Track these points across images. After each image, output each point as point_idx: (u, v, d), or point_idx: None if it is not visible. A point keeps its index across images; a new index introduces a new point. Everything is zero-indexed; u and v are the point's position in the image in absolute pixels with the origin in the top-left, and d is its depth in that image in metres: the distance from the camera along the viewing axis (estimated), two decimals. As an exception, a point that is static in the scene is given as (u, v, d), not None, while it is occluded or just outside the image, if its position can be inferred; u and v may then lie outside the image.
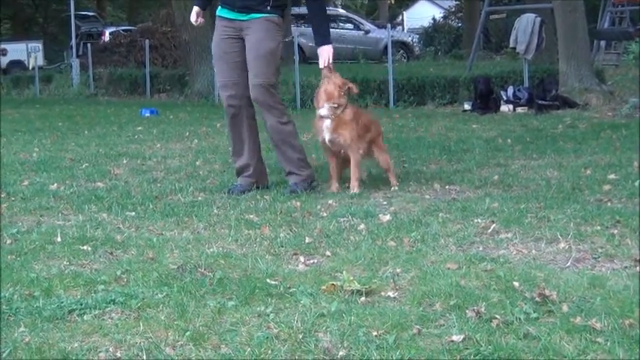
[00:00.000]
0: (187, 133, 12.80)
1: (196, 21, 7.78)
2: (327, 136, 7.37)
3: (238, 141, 7.61)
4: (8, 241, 5.67)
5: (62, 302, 4.25)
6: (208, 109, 17.36)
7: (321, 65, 7.41)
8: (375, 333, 3.73)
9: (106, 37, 34.84)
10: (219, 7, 7.50)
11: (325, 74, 7.43)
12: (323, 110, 7.35)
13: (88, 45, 24.84)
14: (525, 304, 4.03)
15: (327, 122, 7.35)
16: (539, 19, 16.48)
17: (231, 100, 7.48)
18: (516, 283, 4.34)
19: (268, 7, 7.31)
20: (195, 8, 7.76)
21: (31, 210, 6.82)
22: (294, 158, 7.48)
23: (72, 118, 16.27)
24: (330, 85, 7.34)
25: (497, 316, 3.87)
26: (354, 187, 7.34)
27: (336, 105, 7.30)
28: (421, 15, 47.03)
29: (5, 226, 6.17)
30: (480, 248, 5.24)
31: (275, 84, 7.44)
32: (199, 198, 7.19)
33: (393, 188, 7.44)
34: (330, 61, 7.38)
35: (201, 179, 8.17)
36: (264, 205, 6.79)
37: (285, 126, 7.46)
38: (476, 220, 5.95)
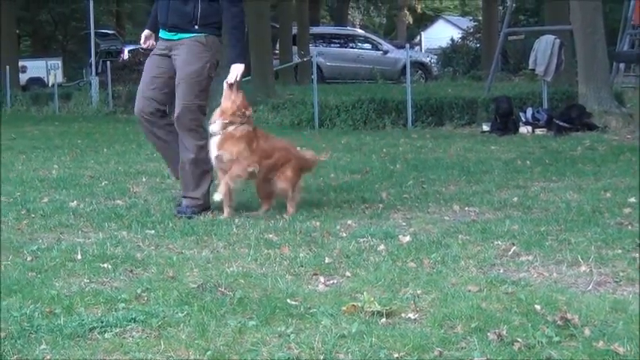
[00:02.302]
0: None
1: (145, 43, 7.83)
2: (213, 153, 7.24)
3: (161, 152, 7.76)
4: (29, 258, 5.69)
5: (83, 320, 4.25)
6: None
7: (227, 80, 7.31)
8: (396, 355, 3.72)
9: (125, 55, 35.00)
10: (160, 28, 7.60)
11: (225, 90, 7.31)
12: (214, 126, 7.25)
13: (108, 63, 24.99)
14: (547, 327, 4.02)
15: (216, 139, 7.25)
16: (558, 40, 16.46)
17: (139, 113, 7.56)
18: (538, 307, 4.33)
19: (196, 27, 7.34)
20: (145, 32, 7.84)
21: (51, 227, 6.83)
22: (198, 183, 7.42)
23: (91, 135, 16.33)
24: (227, 102, 7.26)
25: (519, 340, 3.86)
26: (220, 190, 7.17)
27: (227, 122, 7.21)
28: (439, 35, 47.09)
29: (25, 243, 6.19)
30: (501, 270, 5.23)
31: (199, 106, 7.41)
32: (218, 217, 7.18)
33: (285, 215, 7.21)
34: (238, 79, 7.31)
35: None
36: (284, 224, 6.79)
37: (200, 150, 7.39)
38: (496, 242, 5.94)
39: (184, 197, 7.46)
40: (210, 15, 7.35)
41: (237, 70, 7.28)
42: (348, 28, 42.45)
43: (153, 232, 6.57)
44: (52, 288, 4.89)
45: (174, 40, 7.41)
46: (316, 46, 31.49)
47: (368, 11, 64.53)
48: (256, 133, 7.36)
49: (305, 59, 28.53)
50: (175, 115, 7.38)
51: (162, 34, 7.54)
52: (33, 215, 7.33)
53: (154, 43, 7.76)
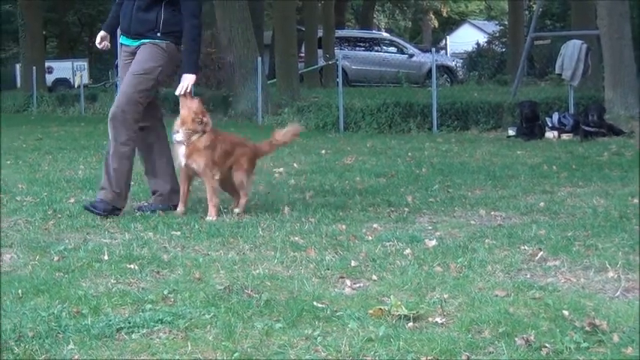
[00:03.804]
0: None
1: (100, 44, 7.86)
2: (182, 162, 7.37)
3: (151, 163, 7.76)
4: (56, 258, 5.71)
5: (110, 320, 4.26)
6: (252, 130, 17.34)
7: (177, 92, 7.39)
8: (423, 359, 3.71)
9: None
10: (121, 35, 7.66)
11: (181, 100, 7.38)
12: (178, 136, 7.33)
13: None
14: (575, 333, 3.99)
15: (182, 149, 7.33)
16: (585, 45, 16.42)
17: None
18: (566, 312, 4.30)
19: (158, 34, 7.42)
20: (101, 33, 7.87)
21: (77, 227, 6.86)
22: (115, 178, 7.38)
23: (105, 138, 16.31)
24: (185, 110, 7.32)
25: (547, 345, 3.84)
26: (211, 213, 7.28)
27: (189, 131, 7.28)
28: (465, 39, 47.02)
29: (52, 243, 6.21)
30: (528, 275, 5.20)
31: (136, 102, 7.39)
32: (244, 219, 7.19)
33: (235, 210, 7.44)
34: (189, 89, 7.38)
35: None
36: (309, 227, 6.78)
37: (123, 146, 7.39)
38: (523, 247, 5.92)
39: (101, 190, 7.42)
40: (172, 24, 7.43)
41: (187, 80, 7.38)
42: (374, 31, 42.48)
43: (179, 233, 6.58)
44: (79, 288, 4.91)
45: (134, 45, 7.52)
46: (341, 49, 31.48)
47: (393, 15, 64.45)
48: (217, 137, 7.45)
49: (330, 62, 28.53)
50: (113, 105, 7.46)
51: (124, 40, 7.63)
52: (59, 215, 7.36)
53: (109, 44, 7.84)
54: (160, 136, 7.72)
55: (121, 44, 7.68)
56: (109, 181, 7.36)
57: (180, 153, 7.35)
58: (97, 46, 7.90)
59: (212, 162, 7.32)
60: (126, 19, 7.51)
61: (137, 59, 7.45)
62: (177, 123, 7.34)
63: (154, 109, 7.66)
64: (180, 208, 7.46)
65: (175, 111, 7.59)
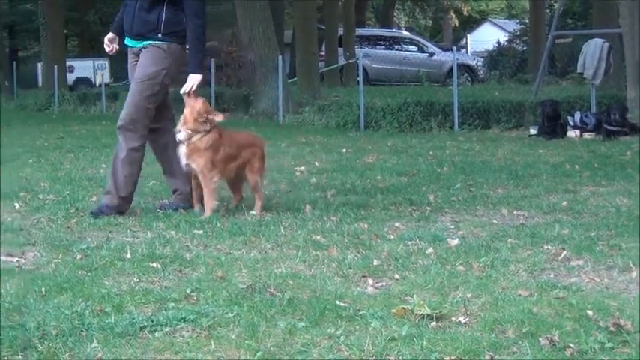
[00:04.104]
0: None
1: (109, 47, 7.86)
2: (183, 162, 7.38)
3: (168, 163, 7.77)
4: (78, 256, 5.72)
5: (133, 318, 4.27)
6: (273, 129, 17.39)
7: (182, 90, 7.38)
8: (447, 358, 3.70)
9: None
10: (125, 36, 7.64)
11: (185, 99, 7.39)
12: (180, 135, 7.33)
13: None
14: (599, 333, 3.97)
15: (183, 148, 7.34)
16: (607, 44, 16.35)
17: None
18: (590, 312, 4.28)
19: (159, 35, 7.40)
20: (109, 35, 7.87)
21: (100, 226, 6.87)
22: (124, 183, 7.40)
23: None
24: (187, 110, 7.33)
25: (571, 345, 3.82)
26: (206, 213, 7.26)
27: (190, 131, 7.27)
28: (485, 38, 46.90)
29: (75, 242, 6.23)
30: (551, 275, 5.18)
31: (145, 109, 7.41)
32: (266, 218, 7.19)
33: (252, 212, 7.40)
34: (194, 89, 7.36)
35: (267, 199, 8.16)
36: (331, 226, 6.78)
37: (135, 152, 7.43)
38: (546, 247, 5.89)
39: (107, 194, 7.44)
40: (174, 24, 7.42)
41: (193, 80, 7.37)
42: (394, 30, 42.42)
43: (201, 232, 6.58)
44: (102, 286, 4.92)
45: (138, 47, 7.51)
46: (362, 48, 31.44)
47: (414, 13, 64.37)
48: (222, 139, 7.41)
49: (351, 61, 28.54)
50: (122, 112, 7.47)
51: (128, 41, 7.62)
52: (82, 214, 7.38)
53: (117, 47, 7.83)
54: (174, 135, 7.71)
55: (126, 45, 7.68)
56: (116, 186, 7.37)
57: (182, 153, 7.36)
58: (106, 49, 7.89)
59: (211, 164, 7.28)
60: (129, 19, 7.50)
61: (140, 64, 7.45)
62: (180, 122, 7.36)
63: (166, 110, 7.65)
64: (195, 208, 7.45)
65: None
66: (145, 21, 7.39)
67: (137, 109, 7.37)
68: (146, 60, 7.42)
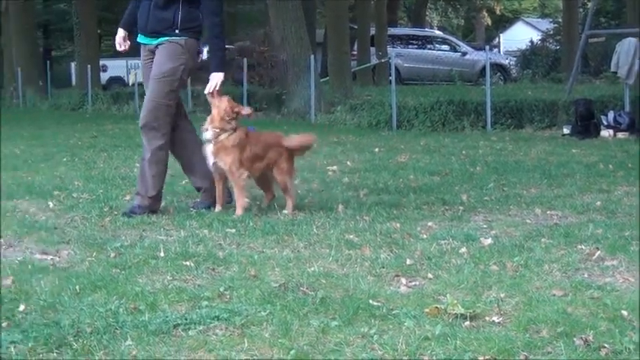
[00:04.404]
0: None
1: (121, 45, 7.81)
2: (210, 160, 7.39)
3: (187, 160, 7.75)
4: (112, 255, 5.75)
5: (167, 317, 4.28)
6: (305, 128, 17.37)
7: (205, 90, 7.41)
8: (481, 358, 3.68)
9: (204, 55, 35.25)
10: (138, 33, 7.62)
11: (210, 99, 7.42)
12: (207, 134, 7.36)
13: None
14: (634, 333, 3.95)
15: (210, 147, 7.36)
16: (641, 43, 16.22)
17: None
18: (624, 312, 4.26)
19: (176, 31, 7.39)
20: (121, 33, 7.81)
21: (133, 224, 6.90)
22: (152, 183, 7.42)
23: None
24: (214, 110, 7.36)
25: (605, 345, 3.80)
26: (238, 213, 7.27)
27: (217, 130, 7.30)
28: (518, 37, 46.62)
29: (109, 240, 6.26)
30: (586, 275, 5.15)
31: (167, 106, 7.43)
32: (298, 217, 7.19)
33: (284, 211, 7.41)
34: (217, 88, 7.36)
35: (300, 198, 8.17)
36: (364, 225, 6.77)
37: (160, 151, 7.45)
38: (580, 247, 5.86)
39: (137, 195, 7.47)
40: (190, 20, 7.42)
41: (216, 79, 7.38)
42: (426, 29, 42.31)
43: (234, 230, 6.60)
44: (136, 284, 4.94)
45: (153, 44, 7.49)
46: (394, 47, 31.36)
47: (446, 12, 64.21)
48: (248, 138, 7.44)
49: (383, 60, 28.52)
50: (142, 112, 7.46)
51: (142, 39, 7.59)
52: (115, 212, 7.41)
53: (129, 43, 7.80)
54: (190, 131, 7.72)
55: (140, 43, 7.65)
56: (145, 186, 7.41)
57: (209, 151, 7.39)
58: (117, 48, 7.86)
59: (239, 161, 7.32)
60: (143, 17, 7.49)
61: (157, 61, 7.44)
62: (207, 121, 7.39)
63: (178, 106, 7.63)
64: (217, 207, 7.48)
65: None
66: (160, 18, 7.39)
67: (158, 107, 7.39)
68: (163, 57, 7.41)
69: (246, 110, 7.49)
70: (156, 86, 7.38)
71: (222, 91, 7.46)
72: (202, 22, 7.48)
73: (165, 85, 7.38)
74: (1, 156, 11.85)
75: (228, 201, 7.64)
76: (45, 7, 47.88)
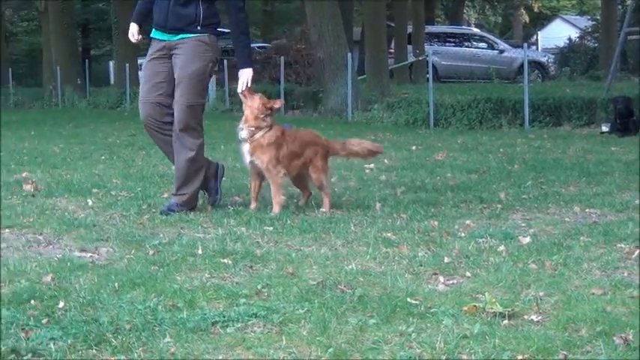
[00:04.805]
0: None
1: (135, 39, 7.80)
2: (246, 159, 7.41)
3: (171, 156, 7.70)
4: (151, 252, 5.77)
5: (205, 314, 4.30)
6: (342, 127, 17.41)
7: (238, 89, 7.42)
8: (520, 357, 3.67)
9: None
10: (153, 29, 7.58)
11: (243, 99, 7.43)
12: (242, 134, 7.37)
13: (224, 61, 25.19)
14: (675, 332, 3.92)
15: (247, 145, 7.36)
16: (681, 40, 16.09)
17: (147, 120, 7.56)
18: (665, 311, 4.23)
19: (198, 27, 7.37)
20: (134, 26, 7.78)
21: (171, 222, 6.93)
22: (192, 181, 7.44)
23: (208, 132, 16.34)
24: (247, 110, 7.36)
25: (646, 345, 3.77)
26: (275, 210, 7.29)
27: (252, 128, 7.30)
28: (556, 35, 46.38)
29: (147, 237, 6.29)
30: (625, 274, 5.11)
31: (201, 104, 7.46)
32: (336, 215, 7.20)
33: (322, 209, 7.42)
34: (248, 84, 7.37)
35: (337, 196, 8.18)
36: (401, 223, 6.76)
37: (199, 149, 7.46)
38: (619, 245, 5.82)
39: (175, 195, 7.48)
40: (210, 17, 7.42)
41: (246, 76, 7.39)
42: (464, 27, 42.16)
43: (271, 228, 6.60)
44: (174, 282, 4.96)
45: (173, 40, 7.44)
46: (431, 45, 31.30)
47: (483, 10, 63.97)
48: (284, 136, 7.45)
49: (420, 58, 28.43)
50: (177, 115, 7.39)
51: (158, 35, 7.54)
52: (154, 210, 7.44)
53: (141, 37, 7.80)
54: (168, 132, 7.68)
55: (154, 38, 7.60)
56: (184, 184, 7.45)
57: (245, 150, 7.41)
58: (131, 39, 7.85)
59: (276, 159, 7.33)
60: (162, 13, 7.44)
61: (183, 61, 7.38)
62: (242, 120, 7.41)
63: (161, 107, 7.51)
64: (252, 205, 7.49)
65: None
66: (181, 15, 7.36)
67: (194, 107, 7.39)
68: (188, 56, 7.37)
69: (278, 103, 7.51)
70: (189, 88, 7.35)
71: (253, 88, 7.48)
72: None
73: (196, 85, 7.38)
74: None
75: (215, 201, 7.72)
76: (84, 6, 48.15)
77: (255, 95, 7.41)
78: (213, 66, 7.51)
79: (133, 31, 7.77)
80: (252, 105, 7.33)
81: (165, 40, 7.48)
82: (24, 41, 57.52)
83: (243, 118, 7.40)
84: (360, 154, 7.88)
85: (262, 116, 7.31)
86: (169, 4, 7.39)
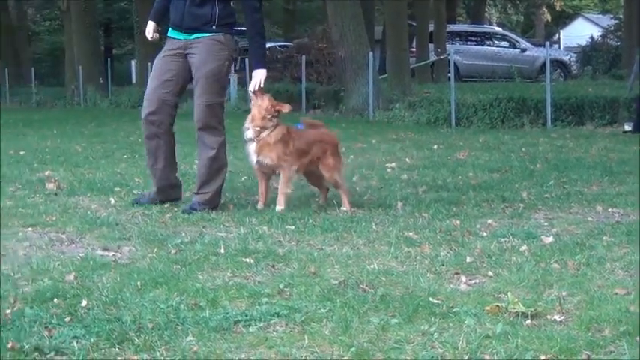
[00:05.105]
0: (343, 149, 12.74)
1: (152, 36, 7.81)
2: (253, 159, 7.42)
3: (152, 155, 7.70)
4: (173, 251, 5.79)
5: (228, 313, 4.30)
6: (363, 126, 17.41)
7: (250, 88, 7.46)
8: (543, 357, 3.65)
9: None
10: (169, 28, 7.60)
11: (252, 98, 7.46)
12: (248, 133, 7.40)
13: (246, 60, 25.20)
14: (699, 333, 3.89)
15: (253, 145, 7.38)
16: None
17: (149, 117, 7.56)
18: (689, 311, 4.20)
19: (214, 27, 7.39)
20: (151, 24, 7.81)
21: (193, 221, 6.94)
22: (214, 179, 7.47)
23: (230, 132, 16.36)
24: (255, 109, 7.39)
25: (670, 345, 3.75)
26: (280, 202, 7.34)
27: (258, 128, 7.32)
28: (578, 33, 46.19)
29: (169, 236, 6.30)
30: (648, 274, 5.09)
31: (218, 103, 7.48)
32: (357, 214, 7.20)
33: (342, 208, 7.44)
34: (261, 84, 7.38)
35: (359, 195, 8.18)
36: (423, 222, 6.76)
37: (221, 147, 7.49)
38: (642, 245, 5.80)
39: (197, 194, 7.51)
40: (226, 16, 7.44)
41: (259, 76, 7.43)
42: (485, 26, 42.07)
43: (293, 227, 6.61)
44: (196, 281, 4.97)
45: (189, 39, 7.47)
46: (453, 44, 31.25)
47: (505, 9, 63.79)
48: (290, 134, 7.47)
49: (442, 57, 28.38)
50: (196, 114, 7.45)
51: (174, 34, 7.57)
52: (175, 209, 7.46)
53: (158, 35, 7.81)
54: (168, 131, 7.69)
55: (169, 37, 7.62)
56: (205, 183, 7.47)
57: (251, 150, 7.43)
58: (148, 38, 7.88)
59: (284, 155, 7.36)
60: (178, 13, 7.47)
61: (199, 61, 7.42)
62: (248, 120, 7.44)
63: (166, 106, 7.56)
64: (260, 205, 7.51)
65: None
66: (197, 15, 7.39)
67: (213, 106, 7.44)
68: (203, 56, 7.40)
69: (286, 108, 7.50)
70: (206, 87, 7.40)
71: (265, 88, 7.51)
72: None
73: (213, 84, 7.42)
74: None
75: (178, 198, 7.82)
76: (106, 5, 48.34)
77: (265, 96, 7.43)
78: (230, 65, 7.56)
79: (150, 29, 7.80)
80: (261, 105, 7.36)
81: (181, 40, 7.52)
82: (46, 40, 57.74)
83: (250, 117, 7.43)
84: None
85: (269, 117, 7.34)
86: (185, 4, 7.42)
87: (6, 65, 39.90)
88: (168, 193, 7.76)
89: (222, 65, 7.45)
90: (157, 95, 7.53)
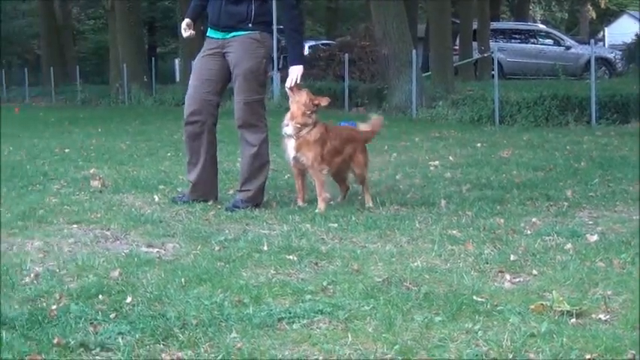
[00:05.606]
0: (386, 147, 12.77)
1: (186, 33, 7.81)
2: (291, 155, 7.42)
3: (195, 154, 7.74)
4: (217, 248, 5.81)
5: (271, 310, 4.31)
6: (406, 124, 17.37)
7: (287, 85, 7.44)
8: (588, 356, 3.62)
9: (305, 50, 35.37)
10: (208, 28, 7.61)
11: (290, 94, 7.44)
12: (287, 129, 7.38)
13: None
14: None
15: (292, 142, 7.37)
16: None
17: (192, 116, 7.64)
18: None
19: (250, 25, 7.38)
20: (187, 20, 7.81)
21: (236, 219, 6.97)
22: (256, 176, 7.49)
23: (273, 129, 16.44)
24: (293, 106, 7.36)
25: None
26: (320, 207, 7.27)
27: (299, 125, 7.29)
28: (623, 31, 45.80)
29: (213, 234, 6.33)
30: (695, 273, 5.04)
31: (257, 101, 7.49)
32: (401, 212, 7.18)
33: (367, 205, 7.47)
34: (298, 81, 7.37)
35: (402, 193, 8.17)
36: (467, 220, 6.73)
37: (263, 144, 7.50)
38: (689, 244, 5.74)
39: (240, 191, 7.54)
40: (262, 14, 7.46)
41: (296, 72, 7.41)
42: (529, 23, 41.83)
43: (336, 225, 6.61)
44: (240, 278, 4.98)
45: (226, 38, 7.49)
46: (496, 41, 31.12)
47: (549, 6, 63.38)
48: (328, 133, 7.46)
49: (485, 55, 28.28)
50: (236, 112, 7.49)
51: (212, 33, 7.59)
52: (219, 206, 7.49)
53: (194, 32, 7.81)
54: (210, 130, 7.75)
55: (208, 37, 7.65)
56: (248, 180, 7.50)
57: (290, 146, 7.44)
58: (183, 34, 7.89)
59: (320, 156, 7.36)
60: (215, 12, 7.51)
61: (236, 59, 7.45)
62: (287, 117, 7.43)
63: (208, 105, 7.64)
64: (299, 202, 7.54)
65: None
66: (233, 13, 7.41)
67: (251, 103, 7.46)
68: (240, 54, 7.43)
69: (325, 101, 7.51)
70: (244, 85, 7.44)
71: (302, 85, 7.52)
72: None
73: (251, 82, 7.44)
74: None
75: (181, 197, 7.81)
76: (150, 4, 48.60)
77: (302, 91, 7.44)
78: (268, 62, 7.59)
79: (185, 26, 7.83)
80: (300, 100, 7.36)
81: (218, 39, 7.56)
82: (91, 39, 58.24)
83: (289, 114, 7.42)
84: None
85: (309, 112, 7.34)
86: (222, 3, 7.47)
87: (52, 64, 40.27)
88: (205, 192, 7.77)
89: (260, 63, 7.47)
90: (199, 95, 7.58)
